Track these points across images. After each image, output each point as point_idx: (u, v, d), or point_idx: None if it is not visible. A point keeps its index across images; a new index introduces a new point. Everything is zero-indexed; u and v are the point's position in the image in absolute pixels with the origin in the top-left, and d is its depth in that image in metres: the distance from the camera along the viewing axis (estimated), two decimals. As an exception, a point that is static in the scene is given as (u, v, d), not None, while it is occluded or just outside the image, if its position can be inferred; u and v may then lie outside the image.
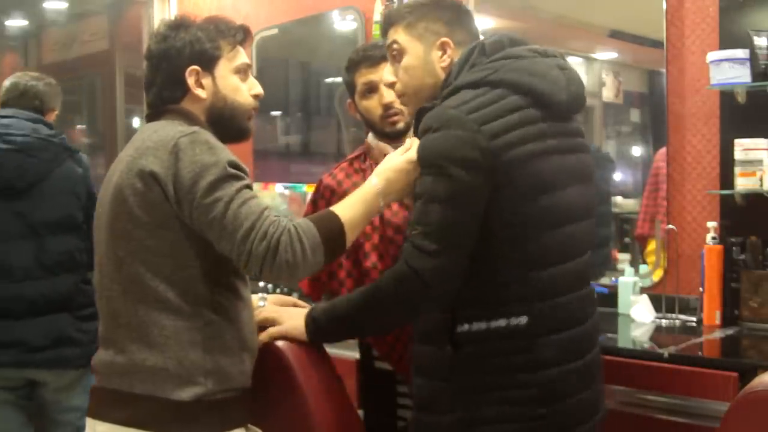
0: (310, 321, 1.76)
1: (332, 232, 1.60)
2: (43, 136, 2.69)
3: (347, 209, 1.65)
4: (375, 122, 2.16)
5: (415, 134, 1.72)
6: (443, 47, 1.74)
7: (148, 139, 1.62)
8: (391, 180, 1.69)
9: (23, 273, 2.61)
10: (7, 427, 2.70)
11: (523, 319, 1.60)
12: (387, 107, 2.10)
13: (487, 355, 1.62)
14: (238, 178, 1.57)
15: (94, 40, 5.84)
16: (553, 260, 1.63)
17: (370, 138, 2.21)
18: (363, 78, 2.13)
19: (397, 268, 1.61)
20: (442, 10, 1.77)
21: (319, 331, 1.76)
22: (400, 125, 2.12)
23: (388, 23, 1.80)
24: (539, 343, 1.61)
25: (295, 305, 1.98)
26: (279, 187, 4.00)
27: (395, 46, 1.77)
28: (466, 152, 1.56)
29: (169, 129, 1.61)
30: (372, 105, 2.13)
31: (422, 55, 1.75)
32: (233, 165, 1.57)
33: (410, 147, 1.72)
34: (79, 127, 5.44)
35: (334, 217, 1.62)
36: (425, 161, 1.63)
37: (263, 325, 1.82)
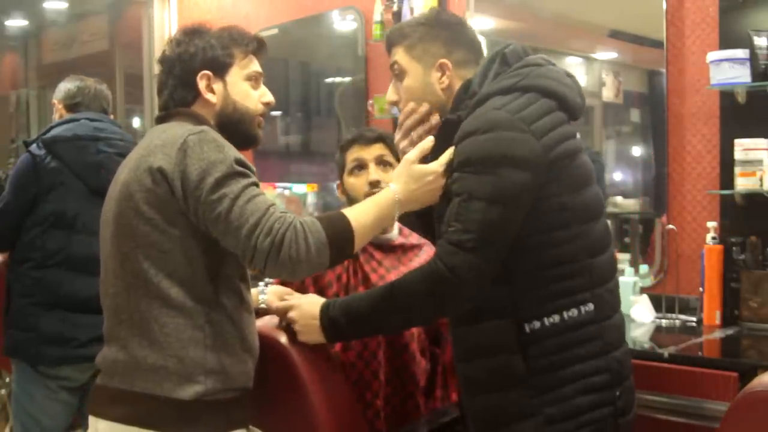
0: (329, 324, 1.75)
1: (340, 233, 1.59)
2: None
3: (360, 214, 1.64)
4: (359, 201, 2.11)
5: (442, 145, 1.72)
6: (442, 68, 1.76)
7: (157, 138, 1.63)
8: (413, 190, 1.69)
9: None
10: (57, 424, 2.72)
11: (590, 306, 1.64)
12: (373, 185, 2.08)
13: (560, 348, 1.63)
14: (244, 175, 1.58)
15: (94, 40, 5.85)
16: (601, 248, 1.69)
17: None
18: (354, 155, 2.13)
19: (429, 266, 1.63)
20: (441, 29, 1.79)
21: (339, 334, 1.79)
22: None
23: (389, 43, 1.83)
24: (606, 327, 1.66)
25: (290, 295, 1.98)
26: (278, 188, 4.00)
27: (396, 66, 1.81)
28: (522, 152, 1.59)
29: (177, 129, 1.63)
30: (359, 183, 2.12)
31: (421, 77, 1.78)
32: (240, 163, 1.59)
33: (426, 148, 1.71)
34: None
35: (344, 220, 1.61)
36: (474, 161, 1.62)
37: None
